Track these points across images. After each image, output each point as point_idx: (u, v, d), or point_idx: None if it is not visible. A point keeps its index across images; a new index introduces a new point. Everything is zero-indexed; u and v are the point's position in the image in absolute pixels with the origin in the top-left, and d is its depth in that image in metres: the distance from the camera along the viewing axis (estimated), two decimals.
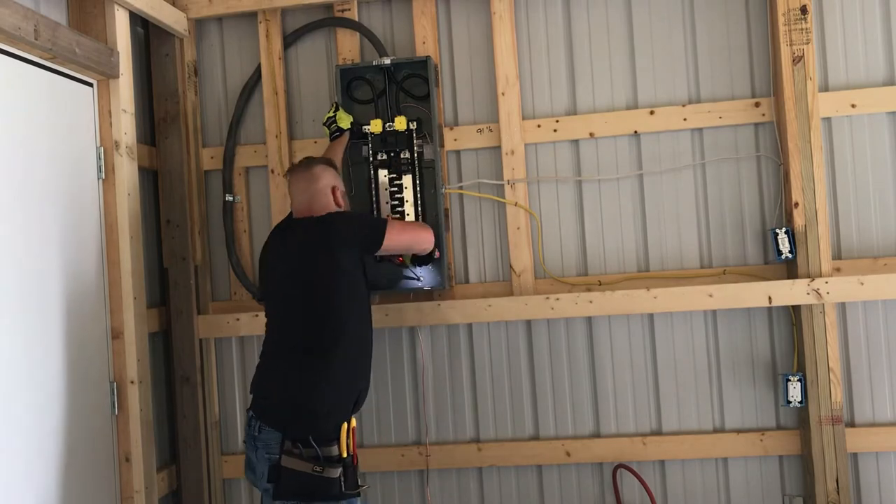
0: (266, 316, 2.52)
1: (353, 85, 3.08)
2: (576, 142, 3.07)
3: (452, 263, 3.09)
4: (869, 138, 2.91)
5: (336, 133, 2.96)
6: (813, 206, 2.81)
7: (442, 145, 3.07)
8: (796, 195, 2.82)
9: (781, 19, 2.82)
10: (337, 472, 2.23)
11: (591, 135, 3.04)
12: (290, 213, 2.63)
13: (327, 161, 2.62)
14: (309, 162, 2.58)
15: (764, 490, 2.96)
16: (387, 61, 2.99)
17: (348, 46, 3.14)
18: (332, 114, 2.96)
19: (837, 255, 2.90)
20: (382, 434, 3.15)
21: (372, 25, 3.16)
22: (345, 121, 2.95)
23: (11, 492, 2.24)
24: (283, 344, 2.40)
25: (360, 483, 2.32)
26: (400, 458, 3.07)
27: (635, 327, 3.03)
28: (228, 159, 3.21)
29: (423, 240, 2.61)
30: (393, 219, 2.62)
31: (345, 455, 2.27)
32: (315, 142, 3.18)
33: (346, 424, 2.30)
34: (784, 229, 2.82)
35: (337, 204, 2.52)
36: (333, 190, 2.52)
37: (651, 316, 3.01)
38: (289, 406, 2.30)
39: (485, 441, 3.08)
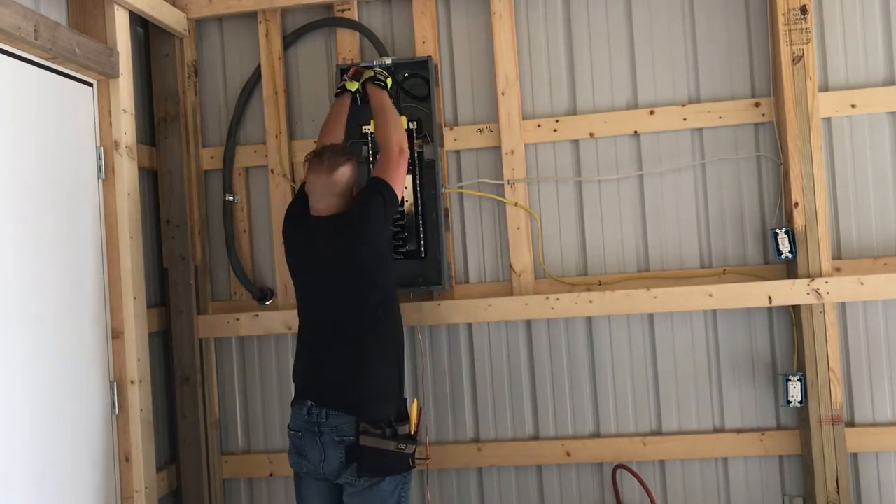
0: (300, 307, 2.58)
1: None
2: (576, 142, 3.07)
3: (452, 263, 3.09)
4: (869, 138, 2.91)
5: (339, 91, 2.88)
6: (813, 206, 2.81)
7: (442, 145, 3.07)
8: (796, 195, 2.82)
9: (781, 19, 2.82)
10: (413, 448, 2.42)
11: (591, 135, 3.04)
12: (301, 201, 2.58)
13: (349, 155, 2.52)
14: (332, 163, 2.45)
15: (764, 490, 2.96)
16: (387, 61, 2.99)
17: (348, 46, 3.14)
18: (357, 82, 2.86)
19: (837, 255, 2.90)
20: None
21: (372, 25, 3.16)
22: (352, 84, 2.86)
23: (11, 492, 2.23)
24: (328, 332, 2.47)
25: (418, 458, 2.48)
26: None
27: (635, 327, 3.03)
28: (228, 159, 3.21)
29: (403, 165, 2.58)
30: (386, 169, 2.56)
31: (412, 433, 2.44)
32: (314, 141, 3.18)
33: (414, 404, 2.47)
34: (784, 229, 2.82)
35: (352, 195, 2.52)
36: (353, 188, 2.53)
37: (651, 316, 3.01)
38: (358, 390, 2.41)
39: (485, 441, 3.08)
